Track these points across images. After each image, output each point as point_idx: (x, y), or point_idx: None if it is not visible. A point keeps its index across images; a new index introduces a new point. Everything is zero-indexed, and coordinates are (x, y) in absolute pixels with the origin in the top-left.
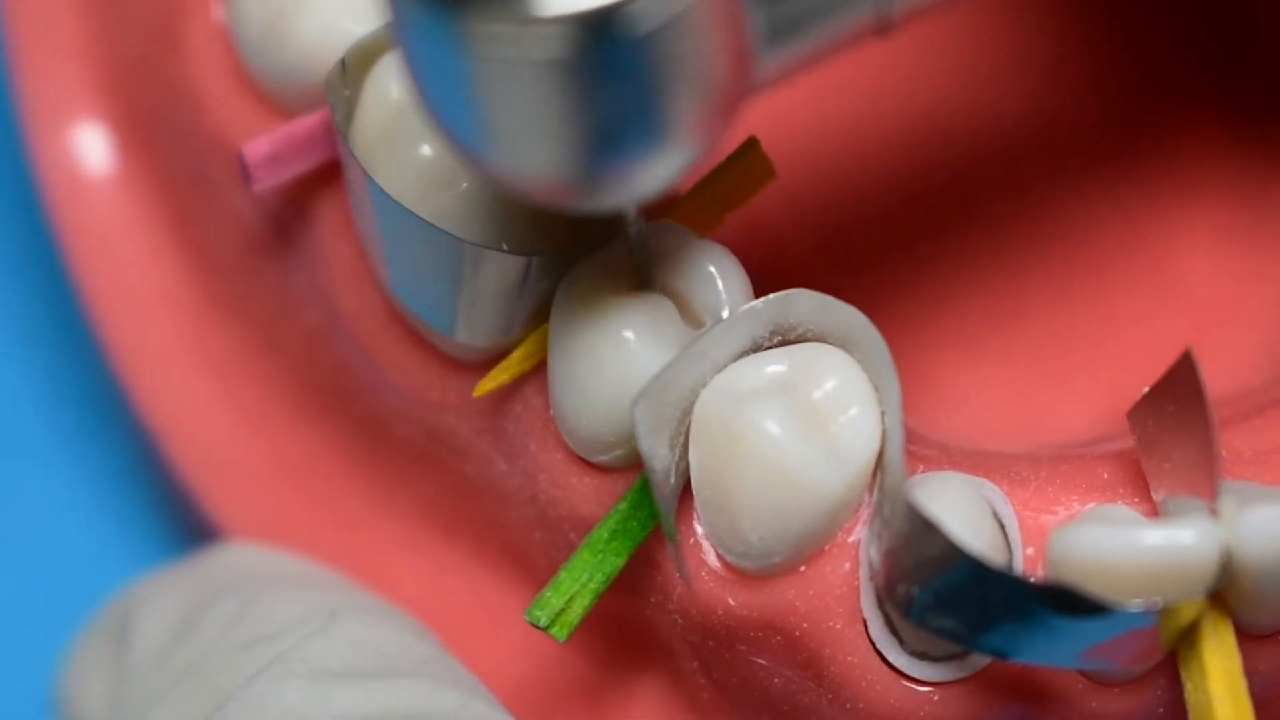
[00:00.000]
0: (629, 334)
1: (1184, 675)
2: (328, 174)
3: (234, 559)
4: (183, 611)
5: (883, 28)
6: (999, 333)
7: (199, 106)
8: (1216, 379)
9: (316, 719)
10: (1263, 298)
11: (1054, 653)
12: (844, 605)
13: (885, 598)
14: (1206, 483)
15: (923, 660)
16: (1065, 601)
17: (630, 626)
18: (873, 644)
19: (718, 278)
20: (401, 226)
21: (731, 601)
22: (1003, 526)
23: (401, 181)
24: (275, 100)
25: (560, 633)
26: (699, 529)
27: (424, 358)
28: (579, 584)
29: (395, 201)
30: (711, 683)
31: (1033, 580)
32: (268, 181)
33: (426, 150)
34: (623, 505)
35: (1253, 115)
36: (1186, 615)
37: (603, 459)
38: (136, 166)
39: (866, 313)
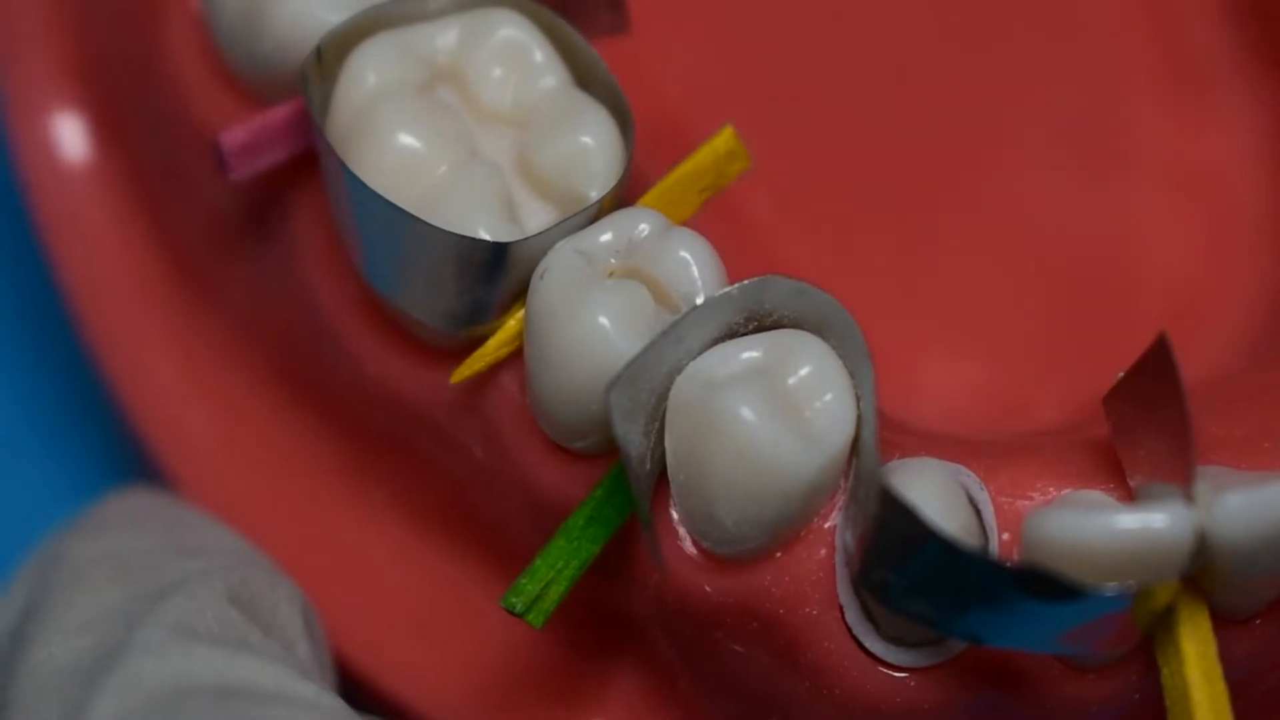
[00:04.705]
0: (604, 320)
1: (1160, 661)
2: (304, 163)
3: (151, 506)
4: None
5: None
6: (975, 320)
7: (176, 95)
8: (1192, 366)
9: (178, 669)
10: (1238, 285)
11: (1029, 637)
12: (820, 591)
13: (860, 583)
14: (1181, 468)
15: (899, 646)
16: (1040, 585)
17: (607, 613)
18: (849, 630)
19: (692, 264)
20: (377, 215)
21: (707, 588)
22: (978, 511)
23: (377, 169)
24: (252, 89)
25: (536, 619)
26: (675, 515)
27: (400, 346)
28: (554, 570)
29: (371, 190)
30: (688, 668)
31: (1008, 564)
32: (244, 170)
33: (402, 138)
34: (598, 492)
35: (1209, 106)
36: (1161, 599)
37: (579, 445)
38: (114, 155)
39: (841, 299)
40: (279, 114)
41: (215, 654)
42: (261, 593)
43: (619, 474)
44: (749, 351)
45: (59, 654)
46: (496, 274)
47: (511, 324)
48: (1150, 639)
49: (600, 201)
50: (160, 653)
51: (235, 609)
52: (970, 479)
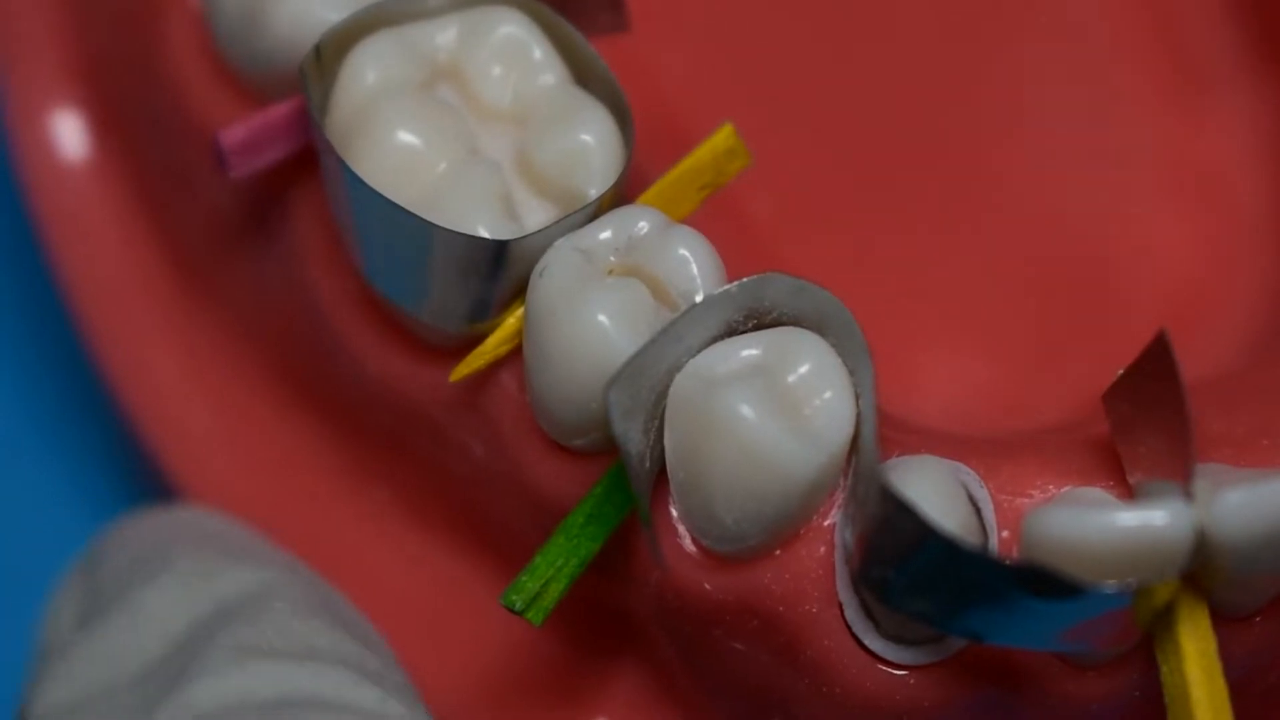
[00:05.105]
0: (603, 318)
1: (1160, 659)
2: (304, 160)
3: (195, 523)
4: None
5: None
6: (975, 317)
7: (176, 93)
8: (1192, 364)
9: (237, 685)
10: (1238, 284)
11: (1029, 635)
12: (820, 589)
13: (860, 581)
14: (1181, 465)
15: (899, 644)
16: (1040, 583)
17: (607, 611)
18: (848, 627)
19: (691, 261)
20: (377, 212)
21: (707, 585)
22: (978, 509)
23: (376, 167)
24: (252, 87)
25: (536, 617)
26: (674, 513)
27: (400, 344)
28: (554, 569)
29: (370, 187)
30: (688, 666)
31: (1008, 562)
32: (244, 168)
33: (402, 136)
34: (598, 490)
35: (1209, 106)
36: (1161, 597)
37: (578, 444)
38: (114, 153)
39: (841, 297)
40: (279, 112)
41: (275, 667)
42: (329, 596)
43: (618, 472)
44: (748, 349)
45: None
46: (496, 272)
47: (511, 322)
48: (1150, 638)
49: (600, 199)
50: (217, 673)
51: (297, 620)
52: (970, 476)
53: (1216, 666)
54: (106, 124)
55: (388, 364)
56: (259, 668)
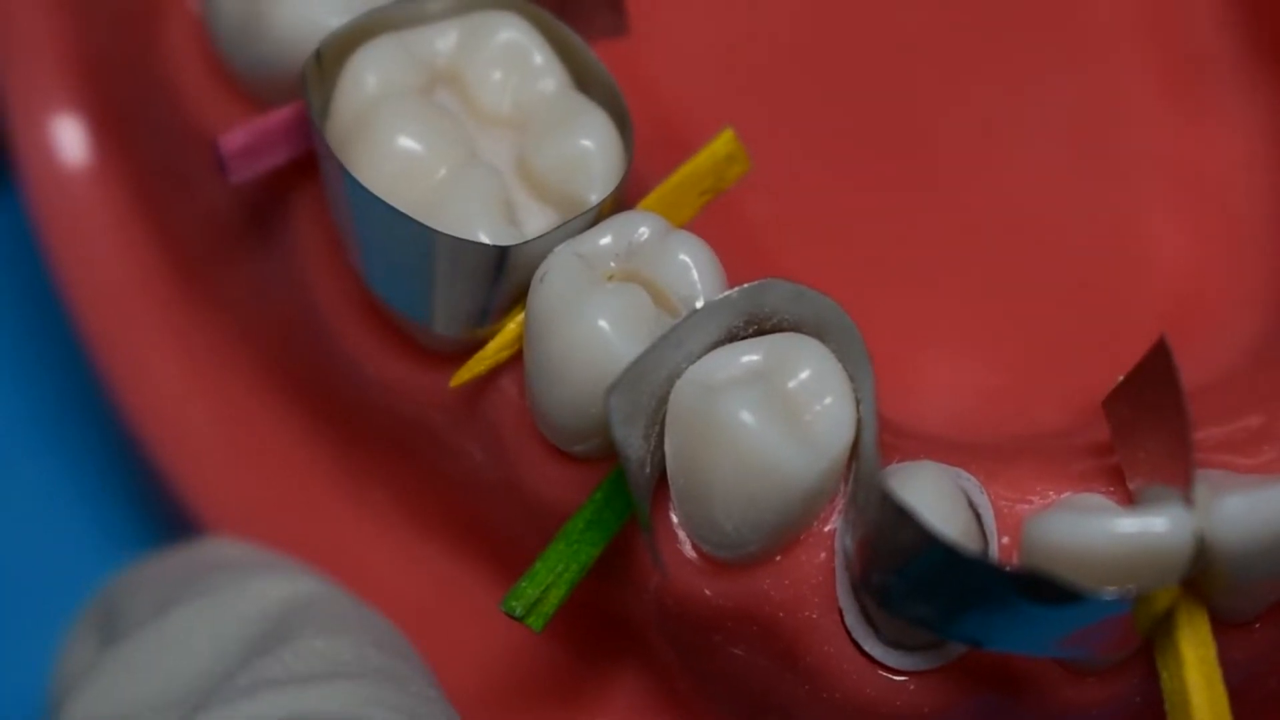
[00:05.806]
0: (603, 324)
1: (1159, 664)
2: (305, 166)
3: (215, 553)
4: (165, 602)
5: None
6: (975, 322)
7: (176, 98)
8: (1193, 367)
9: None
10: (1239, 285)
11: (1029, 641)
12: (820, 595)
13: (860, 587)
14: (1181, 471)
15: (898, 649)
16: (1040, 589)
17: (607, 617)
18: (848, 633)
19: (692, 267)
20: (377, 218)
21: (707, 592)
22: (978, 515)
23: (376, 173)
24: (252, 92)
25: (536, 623)
26: (675, 519)
27: (400, 349)
28: (554, 574)
29: (370, 193)
30: (689, 672)
31: (1007, 568)
32: (244, 173)
33: (402, 141)
34: (598, 495)
35: (1209, 106)
36: (1161, 603)
37: (578, 449)
38: (114, 158)
39: (841, 301)
40: (279, 117)
41: (284, 691)
42: (359, 611)
43: (618, 477)
44: (749, 355)
45: None
46: (496, 277)
47: (511, 327)
48: (1150, 643)
49: (600, 205)
50: (227, 702)
51: (321, 639)
52: (970, 482)
53: (1216, 672)
54: (106, 127)
55: (387, 369)
56: (269, 696)
